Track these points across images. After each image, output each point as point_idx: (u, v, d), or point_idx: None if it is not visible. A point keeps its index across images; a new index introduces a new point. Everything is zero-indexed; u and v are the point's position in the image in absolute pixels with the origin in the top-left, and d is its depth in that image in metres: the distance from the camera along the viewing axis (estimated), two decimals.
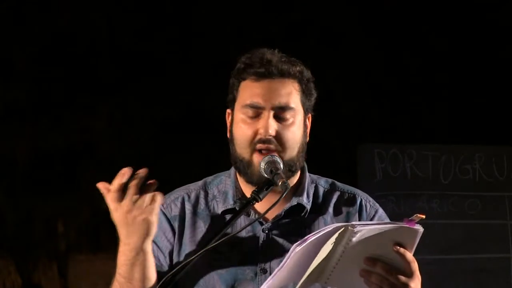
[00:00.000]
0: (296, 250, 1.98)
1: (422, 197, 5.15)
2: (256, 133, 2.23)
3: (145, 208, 2.08)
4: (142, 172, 2.08)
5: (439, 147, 5.27)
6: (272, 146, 2.22)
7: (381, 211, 2.36)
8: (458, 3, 5.89)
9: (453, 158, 5.22)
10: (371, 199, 2.38)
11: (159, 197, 2.10)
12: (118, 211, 2.09)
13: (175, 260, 2.28)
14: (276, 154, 2.22)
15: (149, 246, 2.13)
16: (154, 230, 2.11)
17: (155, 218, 2.10)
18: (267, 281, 2.04)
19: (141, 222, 2.09)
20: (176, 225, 2.30)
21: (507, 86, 5.89)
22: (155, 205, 2.10)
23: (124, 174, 2.08)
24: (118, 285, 2.15)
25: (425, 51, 5.96)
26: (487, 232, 5.16)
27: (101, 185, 2.11)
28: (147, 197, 2.09)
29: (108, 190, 2.09)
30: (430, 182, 5.19)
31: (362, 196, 2.36)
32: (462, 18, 5.93)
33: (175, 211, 2.32)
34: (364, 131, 5.79)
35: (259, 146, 2.22)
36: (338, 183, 2.39)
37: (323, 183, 2.37)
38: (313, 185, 2.35)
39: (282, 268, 2.01)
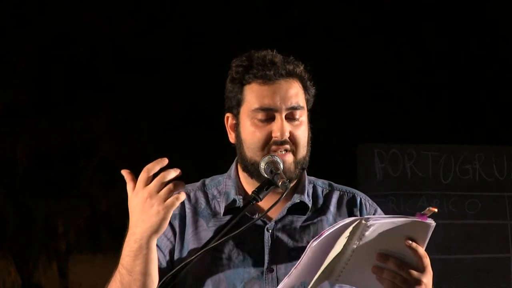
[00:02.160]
0: (312, 245, 1.98)
1: (422, 197, 5.15)
2: (269, 136, 2.23)
3: (165, 201, 2.08)
4: (176, 171, 2.08)
5: (439, 147, 5.27)
6: (287, 147, 2.23)
7: (379, 210, 2.38)
8: (458, 3, 5.89)
9: (453, 158, 5.22)
10: (369, 198, 2.40)
11: (181, 197, 2.09)
12: (138, 195, 2.09)
13: (176, 258, 2.28)
14: (291, 155, 2.23)
15: (154, 242, 2.13)
16: (163, 227, 2.10)
17: (169, 215, 2.10)
18: (283, 280, 2.04)
19: (155, 214, 2.08)
20: (176, 224, 2.30)
21: (507, 86, 5.89)
22: (175, 202, 2.09)
23: (162, 162, 2.07)
24: (119, 276, 2.16)
25: (425, 51, 5.96)
26: (487, 232, 5.15)
27: (126, 172, 2.10)
28: (171, 192, 2.08)
29: (132, 177, 2.09)
30: (430, 182, 5.18)
31: (361, 196, 2.38)
32: (462, 18, 5.93)
33: (175, 210, 2.32)
34: (364, 131, 5.80)
35: (274, 148, 2.23)
36: (335, 184, 2.40)
37: (320, 183, 2.39)
38: (311, 185, 2.36)
39: (298, 266, 2.01)
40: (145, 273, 2.14)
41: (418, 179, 5.16)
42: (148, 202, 2.08)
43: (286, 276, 2.04)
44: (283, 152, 2.24)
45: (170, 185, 2.07)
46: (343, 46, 5.90)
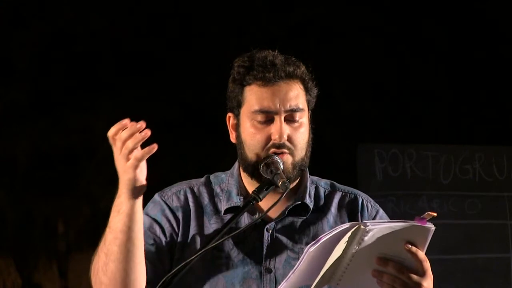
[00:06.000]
0: (309, 250, 1.98)
1: (422, 197, 5.16)
2: (268, 138, 2.24)
3: (127, 160, 2.09)
4: (135, 125, 2.15)
5: (439, 147, 5.28)
6: (285, 150, 2.24)
7: (381, 211, 2.38)
8: (459, 3, 5.89)
9: (453, 158, 5.23)
10: (371, 199, 2.40)
11: (143, 152, 2.10)
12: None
13: (178, 252, 2.28)
14: (289, 156, 2.24)
15: (136, 203, 2.13)
16: (138, 184, 2.10)
17: (135, 172, 2.09)
18: (281, 284, 2.04)
19: (123, 172, 2.10)
20: (180, 216, 2.31)
21: (507, 86, 5.89)
22: (138, 158, 2.08)
23: (122, 124, 2.17)
24: (104, 235, 2.17)
25: (425, 51, 5.96)
26: (487, 232, 5.16)
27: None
28: (131, 150, 2.09)
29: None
30: (430, 182, 5.19)
31: (363, 197, 2.38)
32: (462, 18, 5.93)
33: (178, 203, 2.33)
34: (364, 131, 5.79)
35: (273, 150, 2.24)
36: (337, 184, 2.41)
37: (323, 184, 2.39)
38: (314, 185, 2.37)
39: (296, 270, 2.01)
40: (125, 232, 2.13)
41: (418, 179, 5.17)
42: (117, 161, 2.09)
43: (284, 280, 2.04)
44: (282, 154, 2.25)
45: (127, 145, 2.10)
46: (343, 46, 5.89)
